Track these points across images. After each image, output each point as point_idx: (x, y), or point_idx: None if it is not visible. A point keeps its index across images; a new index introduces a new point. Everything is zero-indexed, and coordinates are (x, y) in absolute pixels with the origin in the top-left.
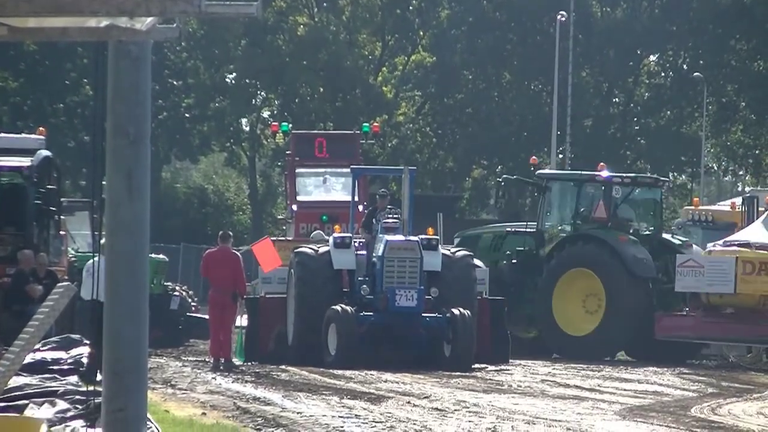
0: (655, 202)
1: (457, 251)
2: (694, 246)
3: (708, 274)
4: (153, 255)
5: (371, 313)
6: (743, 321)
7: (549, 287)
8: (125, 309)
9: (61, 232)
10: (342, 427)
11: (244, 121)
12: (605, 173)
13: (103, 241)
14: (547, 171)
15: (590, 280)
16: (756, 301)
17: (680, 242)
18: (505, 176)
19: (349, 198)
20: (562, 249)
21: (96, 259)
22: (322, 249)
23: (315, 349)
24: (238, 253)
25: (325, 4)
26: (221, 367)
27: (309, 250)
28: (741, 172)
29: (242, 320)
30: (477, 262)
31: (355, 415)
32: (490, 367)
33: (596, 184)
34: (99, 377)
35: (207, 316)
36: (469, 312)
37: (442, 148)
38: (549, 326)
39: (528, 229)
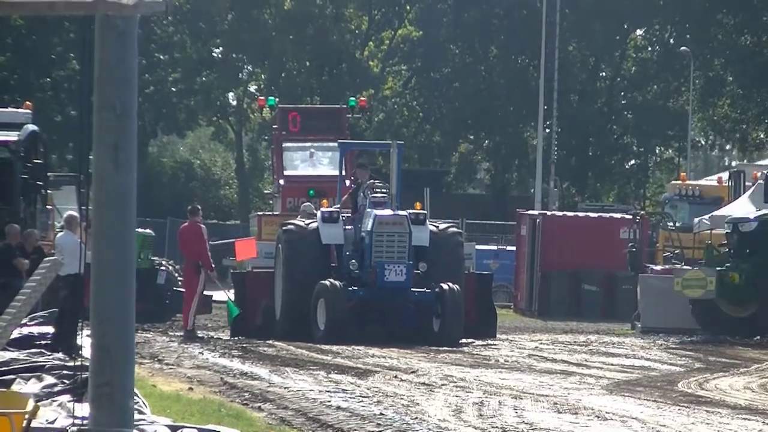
0: None
1: (446, 227)
2: None
3: None
4: (140, 229)
5: (360, 288)
6: None
7: None
8: (112, 282)
9: (48, 207)
10: (329, 401)
11: (230, 95)
12: None
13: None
14: None
15: None
16: None
17: None
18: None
19: (336, 173)
20: None
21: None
22: (310, 224)
23: (302, 323)
24: (201, 226)
25: None
26: (186, 336)
27: (297, 225)
28: (728, 147)
29: (228, 293)
30: None
31: (342, 389)
32: (477, 342)
33: None
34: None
35: None
36: (457, 287)
37: (428, 123)
38: None
39: None
